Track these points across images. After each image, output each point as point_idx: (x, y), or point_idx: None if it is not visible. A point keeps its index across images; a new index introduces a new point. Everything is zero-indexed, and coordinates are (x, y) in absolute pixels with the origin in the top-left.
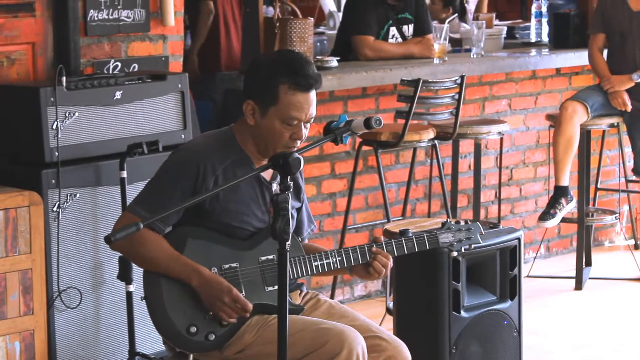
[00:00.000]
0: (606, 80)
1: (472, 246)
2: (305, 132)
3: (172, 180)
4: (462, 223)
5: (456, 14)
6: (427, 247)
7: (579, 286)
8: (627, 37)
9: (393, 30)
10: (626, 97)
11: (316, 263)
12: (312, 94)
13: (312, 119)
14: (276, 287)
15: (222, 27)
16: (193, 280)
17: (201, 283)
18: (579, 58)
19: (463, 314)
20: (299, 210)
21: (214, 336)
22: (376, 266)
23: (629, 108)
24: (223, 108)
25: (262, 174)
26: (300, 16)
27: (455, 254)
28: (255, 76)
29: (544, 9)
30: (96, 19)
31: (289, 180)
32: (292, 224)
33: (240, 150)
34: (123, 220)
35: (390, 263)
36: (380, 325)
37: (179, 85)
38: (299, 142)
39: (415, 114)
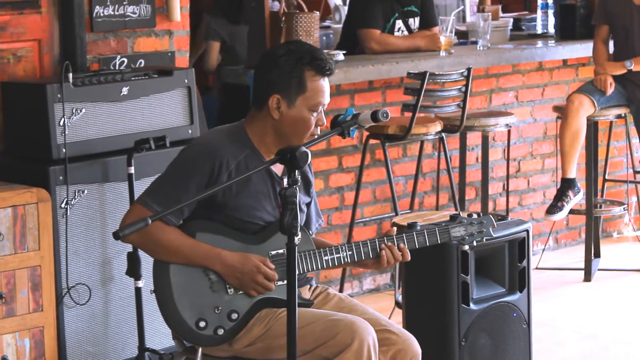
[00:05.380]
0: (599, 66)
1: (485, 239)
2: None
3: (187, 176)
4: (474, 216)
5: (462, 7)
6: (439, 242)
7: (587, 278)
8: (630, 31)
9: (399, 24)
10: (610, 81)
11: (326, 257)
12: (328, 80)
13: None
14: (285, 281)
15: None
16: (216, 265)
17: (225, 265)
18: (585, 49)
19: (472, 306)
20: (308, 205)
21: (222, 331)
22: (386, 255)
23: (609, 92)
24: (224, 102)
25: (274, 169)
26: (306, 10)
27: (466, 247)
28: (276, 70)
29: (550, 1)
30: (102, 15)
31: (297, 174)
32: (302, 218)
33: (252, 145)
34: (134, 212)
35: (407, 257)
36: (389, 318)
37: (186, 81)
38: (319, 129)
39: (422, 106)
